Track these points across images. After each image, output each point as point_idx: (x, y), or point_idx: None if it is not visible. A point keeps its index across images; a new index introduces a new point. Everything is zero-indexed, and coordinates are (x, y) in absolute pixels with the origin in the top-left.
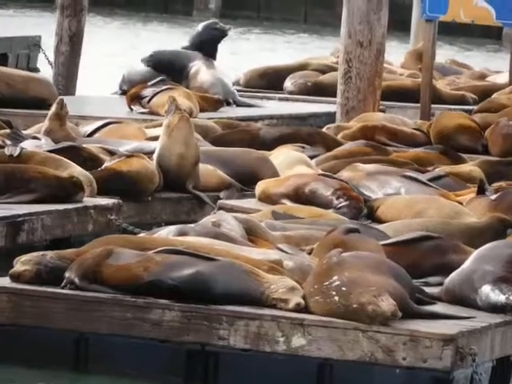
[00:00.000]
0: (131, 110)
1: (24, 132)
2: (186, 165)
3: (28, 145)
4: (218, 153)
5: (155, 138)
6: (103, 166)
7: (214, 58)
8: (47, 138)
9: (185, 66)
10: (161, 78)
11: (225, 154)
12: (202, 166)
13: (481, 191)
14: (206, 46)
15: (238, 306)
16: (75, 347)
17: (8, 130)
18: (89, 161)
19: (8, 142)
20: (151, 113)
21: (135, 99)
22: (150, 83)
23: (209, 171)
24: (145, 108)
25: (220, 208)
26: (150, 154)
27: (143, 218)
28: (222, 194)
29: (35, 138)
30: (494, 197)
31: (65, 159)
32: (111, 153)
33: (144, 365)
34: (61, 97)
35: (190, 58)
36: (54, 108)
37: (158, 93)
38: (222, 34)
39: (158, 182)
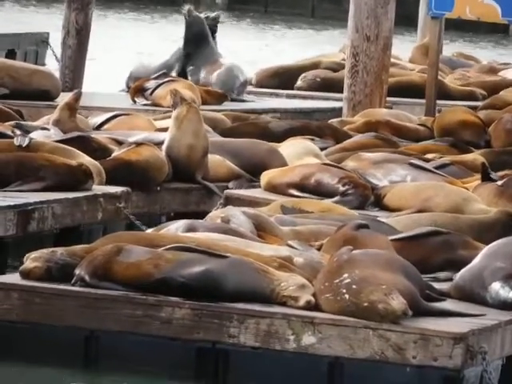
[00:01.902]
0: (134, 102)
1: (33, 123)
2: (195, 155)
3: (37, 135)
4: (227, 143)
5: (164, 130)
6: (112, 156)
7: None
8: (56, 128)
9: (195, 58)
10: (163, 71)
11: (234, 144)
12: (211, 157)
13: (485, 176)
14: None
15: (249, 304)
16: (85, 345)
17: (13, 122)
18: (98, 151)
19: (18, 132)
20: (154, 104)
21: (138, 92)
22: (152, 76)
23: (218, 162)
24: (148, 100)
25: (227, 197)
26: (158, 144)
27: (152, 208)
28: (230, 185)
29: (44, 128)
30: (500, 182)
31: (74, 149)
32: (120, 143)
33: (154, 362)
34: (79, 89)
35: (202, 53)
36: (68, 98)
37: (160, 85)
38: (214, 22)
39: (167, 171)
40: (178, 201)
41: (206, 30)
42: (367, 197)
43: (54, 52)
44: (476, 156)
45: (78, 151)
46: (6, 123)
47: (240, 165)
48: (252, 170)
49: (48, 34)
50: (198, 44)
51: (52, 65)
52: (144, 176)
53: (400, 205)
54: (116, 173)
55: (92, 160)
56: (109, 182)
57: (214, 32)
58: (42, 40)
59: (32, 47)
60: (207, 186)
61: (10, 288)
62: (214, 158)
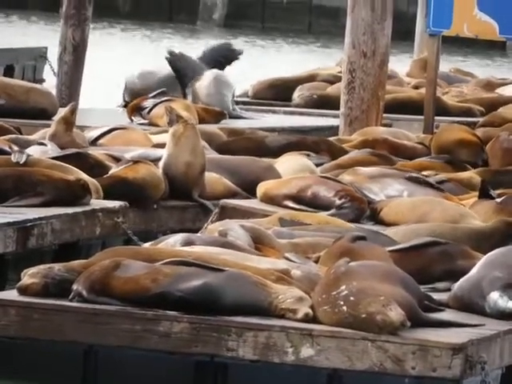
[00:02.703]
0: (131, 121)
1: (30, 138)
2: (192, 173)
3: (34, 151)
4: (223, 161)
5: (161, 145)
6: (109, 173)
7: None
8: (53, 144)
9: (190, 78)
10: (161, 89)
11: (230, 162)
12: (207, 174)
13: (483, 194)
14: (217, 64)
15: (247, 317)
16: (84, 359)
17: (9, 137)
18: (95, 167)
19: (15, 148)
20: (150, 124)
21: (136, 110)
22: (150, 95)
23: (214, 179)
24: (145, 119)
25: (222, 207)
26: (155, 161)
27: (149, 225)
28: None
29: (41, 143)
30: (499, 200)
31: (71, 166)
32: (117, 159)
33: (153, 377)
34: (75, 102)
35: (195, 71)
36: (64, 112)
37: (157, 104)
38: (234, 57)
39: (164, 188)
40: (175, 218)
41: (190, 61)
42: (363, 210)
43: (51, 67)
44: (472, 174)
45: (75, 169)
46: (2, 137)
47: (237, 182)
48: (249, 188)
49: (46, 48)
50: (184, 76)
51: (51, 80)
52: (141, 194)
53: (396, 219)
54: (113, 190)
55: (89, 177)
56: (106, 200)
57: (227, 63)
58: (40, 55)
59: (30, 62)
60: (204, 204)
61: (7, 304)
62: (210, 176)
